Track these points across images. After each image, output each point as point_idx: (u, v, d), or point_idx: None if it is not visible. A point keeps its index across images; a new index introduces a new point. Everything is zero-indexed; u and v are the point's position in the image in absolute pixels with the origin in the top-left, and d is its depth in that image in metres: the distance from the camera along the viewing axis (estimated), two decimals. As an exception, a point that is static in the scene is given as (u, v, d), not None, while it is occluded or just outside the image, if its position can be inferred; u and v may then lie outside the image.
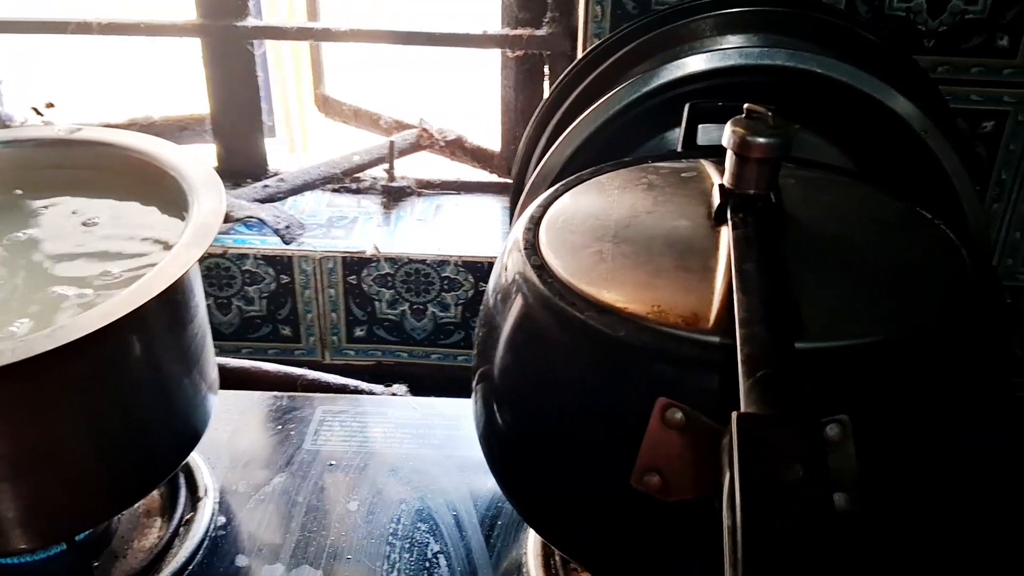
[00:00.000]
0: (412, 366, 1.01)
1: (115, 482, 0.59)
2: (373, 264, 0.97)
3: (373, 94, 1.25)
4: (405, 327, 1.00)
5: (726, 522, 0.36)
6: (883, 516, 0.45)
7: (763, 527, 0.32)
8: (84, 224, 0.65)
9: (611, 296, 0.49)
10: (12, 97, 1.15)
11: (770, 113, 0.51)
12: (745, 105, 0.51)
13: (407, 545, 0.65)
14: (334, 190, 1.08)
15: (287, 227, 0.95)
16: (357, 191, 1.08)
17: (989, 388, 0.50)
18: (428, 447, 0.75)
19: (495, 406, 0.56)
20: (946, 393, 0.47)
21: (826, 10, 0.84)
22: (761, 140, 0.50)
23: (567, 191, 0.61)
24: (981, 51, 0.83)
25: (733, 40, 0.80)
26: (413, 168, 1.13)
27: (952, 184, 0.76)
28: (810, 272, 0.50)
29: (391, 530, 0.66)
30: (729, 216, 0.51)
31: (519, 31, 0.98)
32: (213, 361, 0.67)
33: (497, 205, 1.08)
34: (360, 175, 1.09)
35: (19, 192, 0.70)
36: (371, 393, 0.84)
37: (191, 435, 0.64)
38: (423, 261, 0.97)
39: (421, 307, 0.99)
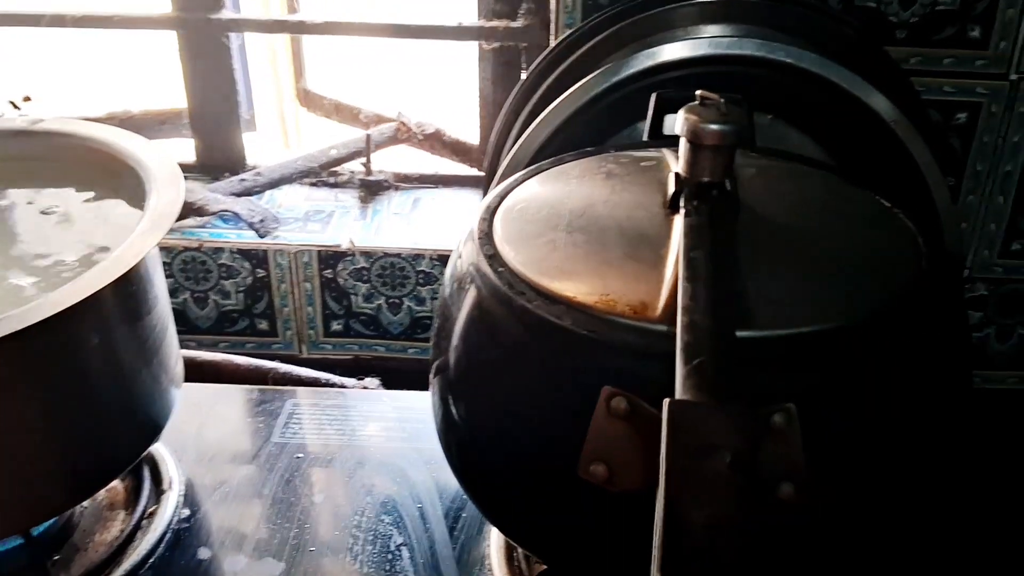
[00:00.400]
0: (389, 360, 1.01)
1: (71, 474, 0.59)
2: (349, 258, 0.97)
3: (354, 88, 1.25)
4: (382, 321, 1.00)
5: (656, 523, 0.36)
6: (830, 505, 0.45)
7: (683, 514, 0.32)
8: (42, 214, 0.65)
9: (561, 286, 0.49)
10: (-10, 91, 1.15)
11: (722, 100, 0.50)
12: (697, 92, 0.51)
13: (370, 537, 0.65)
14: (312, 184, 1.08)
15: (261, 220, 0.95)
16: (335, 185, 1.08)
17: (941, 377, 0.49)
18: (397, 440, 0.75)
19: (450, 398, 0.55)
20: (895, 381, 0.47)
21: (800, 2, 0.83)
22: (714, 127, 0.49)
23: (525, 180, 0.61)
24: (953, 42, 0.82)
25: (706, 30, 0.80)
26: (391, 162, 1.12)
27: (923, 176, 0.76)
28: (762, 261, 0.50)
29: (355, 522, 0.66)
30: (682, 204, 0.51)
31: (494, 23, 0.98)
32: (176, 353, 0.67)
33: (475, 198, 1.08)
34: (338, 169, 1.09)
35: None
36: (342, 387, 0.84)
37: (151, 427, 0.64)
38: (399, 255, 0.96)
39: (397, 301, 0.99)
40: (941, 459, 0.50)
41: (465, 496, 0.68)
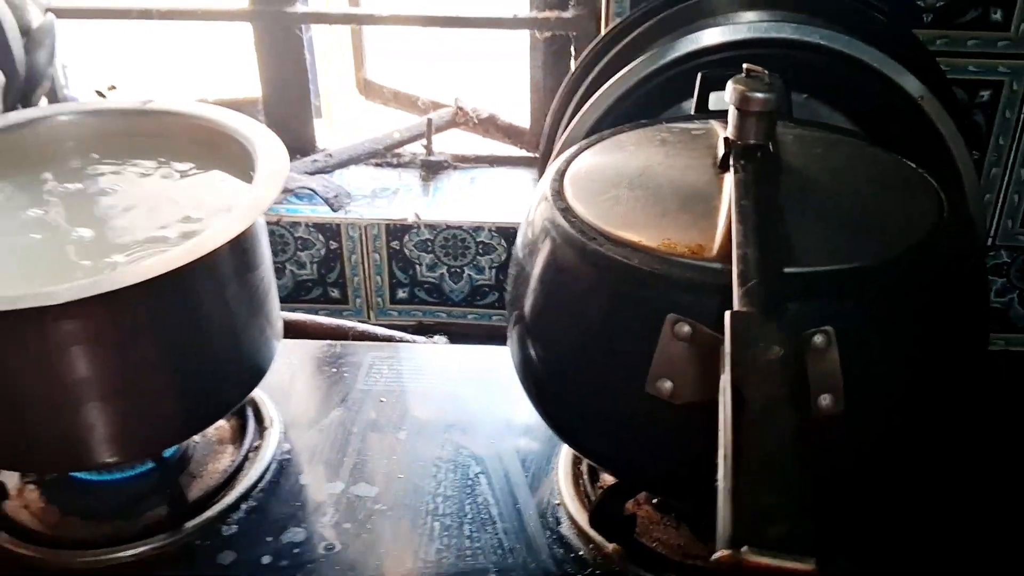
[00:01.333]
0: (450, 324, 1.09)
1: (192, 407, 0.68)
2: (414, 230, 1.05)
3: (410, 77, 1.33)
4: (444, 289, 1.08)
5: (720, 408, 0.43)
6: (863, 417, 0.53)
7: (746, 394, 0.40)
8: (158, 180, 0.73)
9: (627, 233, 0.56)
10: (76, 80, 1.25)
11: (766, 72, 0.58)
12: (744, 65, 0.58)
13: (451, 467, 0.73)
14: (376, 164, 1.16)
15: (335, 196, 1.03)
16: (397, 165, 1.16)
17: (958, 313, 0.57)
18: (467, 387, 0.83)
19: (529, 342, 0.63)
20: (918, 313, 0.54)
21: (833, -12, 0.90)
22: (759, 95, 0.57)
23: (587, 148, 0.68)
24: (977, 24, 0.89)
25: (745, 16, 0.87)
26: (448, 144, 1.21)
27: (949, 149, 0.83)
28: (801, 211, 0.57)
29: (436, 454, 0.75)
30: (731, 163, 0.58)
31: (547, 13, 1.06)
32: (277, 309, 0.76)
33: (527, 177, 1.16)
34: (400, 151, 1.17)
35: (95, 156, 0.78)
36: (414, 343, 0.93)
37: (257, 372, 0.72)
38: (460, 227, 1.05)
39: (458, 270, 1.07)
40: (960, 384, 0.58)
41: (533, 433, 0.76)
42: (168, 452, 0.71)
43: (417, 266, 1.07)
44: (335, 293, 1.09)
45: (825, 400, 0.50)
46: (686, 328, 0.52)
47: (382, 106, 1.32)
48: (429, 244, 1.06)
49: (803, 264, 0.52)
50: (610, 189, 0.62)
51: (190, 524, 0.68)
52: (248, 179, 0.71)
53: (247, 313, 0.70)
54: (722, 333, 0.48)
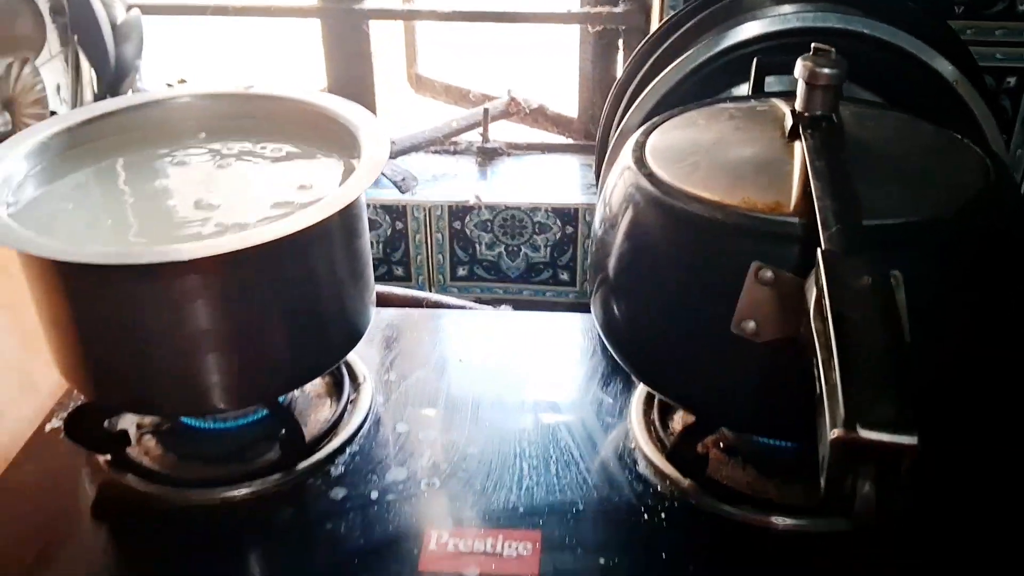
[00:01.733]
0: (507, 301, 1.16)
1: (302, 359, 0.74)
2: (475, 211, 1.12)
3: (459, 71, 1.40)
4: (501, 266, 1.15)
5: (815, 327, 0.50)
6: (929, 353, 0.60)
7: (842, 313, 0.47)
8: (269, 157, 0.80)
9: (709, 194, 0.63)
10: (148, 74, 1.32)
11: (832, 50, 0.65)
12: (812, 44, 0.65)
13: (532, 417, 0.80)
14: (435, 152, 1.24)
15: (403, 179, 1.11)
16: (455, 152, 1.24)
17: (1009, 261, 0.64)
18: (535, 348, 0.90)
19: (614, 302, 0.70)
20: (974, 261, 0.61)
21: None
22: (826, 70, 0.64)
23: (660, 125, 0.76)
24: (1003, 16, 0.96)
25: (789, 8, 0.94)
26: (498, 134, 1.28)
27: (981, 128, 0.90)
28: (866, 173, 0.64)
29: (518, 405, 0.82)
30: (801, 132, 0.65)
31: (598, 8, 1.13)
32: (372, 279, 0.82)
33: (575, 163, 1.23)
34: (456, 140, 1.25)
35: (203, 135, 0.85)
36: (484, 310, 1.00)
37: (356, 332, 0.79)
38: (518, 208, 1.12)
39: (515, 248, 1.14)
40: (1012, 327, 0.65)
41: (604, 387, 0.84)
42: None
43: (477, 245, 1.14)
44: (399, 271, 1.16)
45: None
46: (769, 274, 0.59)
47: (432, 100, 1.40)
48: (488, 224, 1.13)
49: (872, 218, 0.59)
50: (688, 157, 0.69)
51: (301, 465, 0.75)
52: (349, 156, 0.78)
53: (351, 278, 0.77)
54: (803, 277, 0.55)
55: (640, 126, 0.91)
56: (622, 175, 0.71)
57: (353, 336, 0.79)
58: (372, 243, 1.15)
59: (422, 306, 1.00)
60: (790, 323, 0.58)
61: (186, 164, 0.80)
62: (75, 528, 0.72)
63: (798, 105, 0.67)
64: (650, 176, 0.67)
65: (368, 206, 1.13)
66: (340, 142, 0.81)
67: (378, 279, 1.17)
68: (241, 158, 0.81)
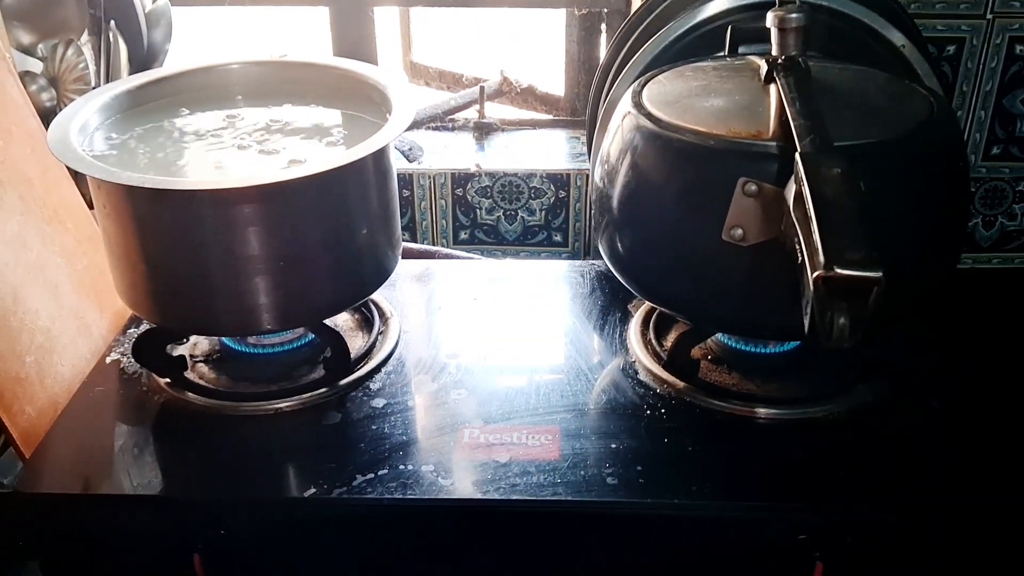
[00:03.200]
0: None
1: (342, 286, 0.83)
2: (476, 178, 1.23)
3: (451, 57, 1.51)
4: (500, 230, 1.26)
5: (795, 216, 0.62)
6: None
7: (824, 193, 0.58)
8: (311, 112, 0.90)
9: (702, 127, 0.75)
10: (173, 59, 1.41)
11: (797, 1, 0.77)
12: None
13: (542, 341, 0.91)
14: (434, 128, 1.34)
15: (410, 149, 1.21)
16: (453, 128, 1.34)
17: (950, 176, 0.76)
18: (540, 289, 1.01)
19: (618, 233, 0.81)
20: (921, 174, 0.73)
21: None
22: (793, 15, 0.76)
23: (653, 78, 0.87)
24: (943, -9, 1.10)
25: (758, -13, 1.06)
26: (491, 112, 1.39)
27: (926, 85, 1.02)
28: (831, 107, 0.76)
29: (527, 334, 0.92)
30: (775, 74, 0.77)
31: (584, -7, 1.25)
32: (398, 220, 0.92)
33: (563, 136, 1.35)
34: (453, 117, 1.35)
35: (239, 98, 0.95)
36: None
37: (385, 270, 0.88)
38: (515, 174, 1.23)
39: (513, 213, 1.25)
40: (950, 224, 0.77)
41: (603, 314, 0.95)
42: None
43: (477, 210, 1.25)
44: (406, 236, 1.26)
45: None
46: (753, 187, 0.70)
47: (426, 86, 1.51)
48: (488, 190, 1.24)
49: (836, 141, 0.71)
50: (680, 101, 0.80)
51: (344, 381, 0.85)
52: (380, 114, 0.88)
53: (382, 216, 0.86)
54: (782, 187, 0.67)
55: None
56: (623, 121, 0.82)
57: (383, 271, 0.89)
58: (381, 209, 1.25)
59: (435, 258, 1.10)
60: (772, 226, 0.70)
61: (243, 119, 0.90)
62: (140, 439, 0.81)
63: (773, 50, 0.79)
64: (649, 116, 0.79)
65: (378, 174, 1.23)
66: (370, 101, 0.91)
67: (387, 243, 1.28)
68: (290, 113, 0.91)
